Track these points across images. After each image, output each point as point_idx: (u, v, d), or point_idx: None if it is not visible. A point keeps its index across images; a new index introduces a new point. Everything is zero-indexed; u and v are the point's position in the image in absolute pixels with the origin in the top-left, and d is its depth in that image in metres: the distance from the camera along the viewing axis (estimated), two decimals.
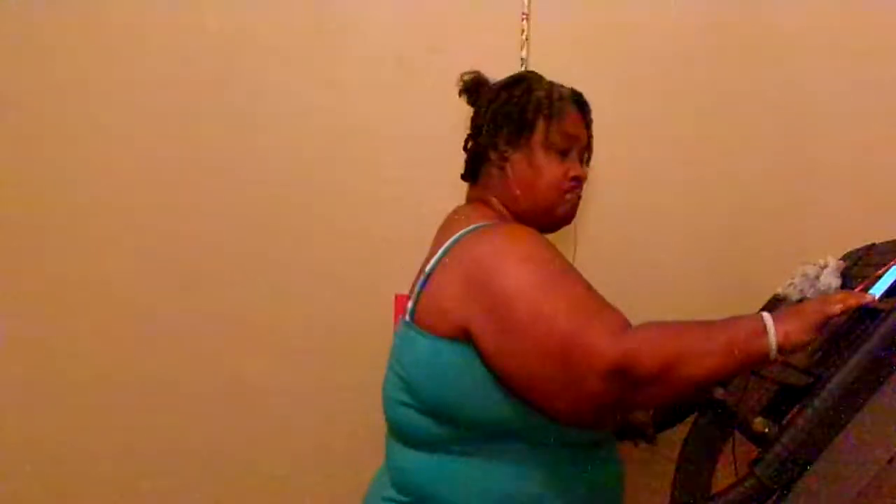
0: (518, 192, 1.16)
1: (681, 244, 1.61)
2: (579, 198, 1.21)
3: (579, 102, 1.22)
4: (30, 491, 1.59)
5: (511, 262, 1.00)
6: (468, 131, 1.24)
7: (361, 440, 1.51)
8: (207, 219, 1.61)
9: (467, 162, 1.23)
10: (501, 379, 0.99)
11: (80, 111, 1.61)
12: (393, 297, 1.55)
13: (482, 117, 1.20)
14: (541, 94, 1.18)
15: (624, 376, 0.90)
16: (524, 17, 1.59)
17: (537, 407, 0.99)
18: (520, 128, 1.16)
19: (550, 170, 1.16)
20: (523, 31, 1.59)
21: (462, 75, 1.25)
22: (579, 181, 1.19)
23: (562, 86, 1.22)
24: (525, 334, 0.96)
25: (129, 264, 1.60)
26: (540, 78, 1.22)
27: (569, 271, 1.02)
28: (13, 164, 1.61)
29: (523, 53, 1.57)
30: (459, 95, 1.25)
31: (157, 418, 1.60)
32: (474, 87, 1.25)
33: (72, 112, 1.61)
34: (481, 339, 0.99)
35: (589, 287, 1.01)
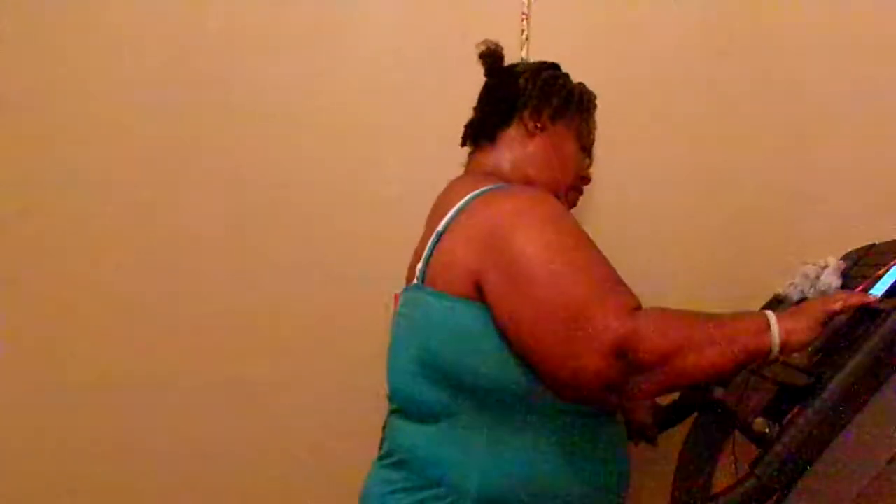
0: (539, 163, 1.17)
1: (680, 244, 1.61)
2: (579, 198, 1.25)
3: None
4: (30, 491, 1.59)
5: (531, 222, 0.99)
6: (481, 100, 1.24)
7: (361, 440, 1.50)
8: (207, 218, 1.61)
9: (491, 122, 1.20)
10: (508, 338, 0.98)
11: (80, 110, 1.61)
12: (393, 297, 1.55)
13: (524, 83, 1.19)
14: (578, 86, 1.24)
15: (625, 357, 0.90)
16: (524, 17, 1.59)
17: (538, 372, 0.97)
18: (565, 109, 1.19)
19: (573, 160, 1.21)
20: (523, 31, 1.59)
21: (486, 41, 1.23)
22: (588, 182, 1.25)
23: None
24: (536, 296, 0.95)
25: (129, 264, 1.60)
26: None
27: (585, 240, 1.02)
28: (13, 164, 1.61)
29: (523, 53, 1.57)
30: (480, 58, 1.23)
31: (156, 418, 1.60)
32: (499, 57, 1.24)
33: (71, 111, 1.61)
34: (493, 297, 0.98)
35: (603, 259, 1.00)
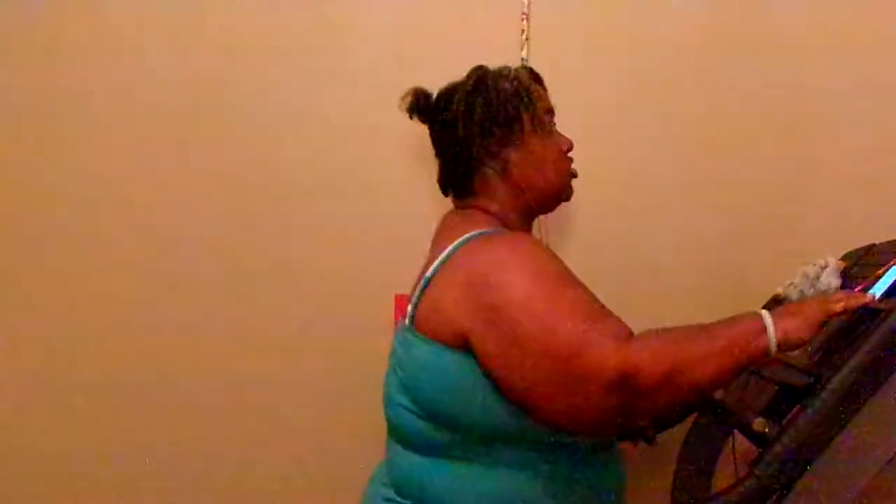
0: (524, 187, 1.15)
1: (680, 244, 1.61)
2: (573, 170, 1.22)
3: (537, 77, 1.23)
4: (30, 491, 1.59)
5: (511, 273, 0.99)
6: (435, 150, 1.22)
7: (361, 440, 1.51)
8: (207, 218, 1.61)
9: (458, 178, 1.18)
10: (502, 389, 0.99)
11: (80, 111, 1.61)
12: (393, 297, 1.55)
13: (463, 131, 1.15)
14: (507, 85, 1.17)
15: (626, 387, 0.90)
16: (524, 17, 1.59)
17: (539, 417, 0.98)
18: (509, 126, 1.15)
19: (548, 151, 1.17)
20: (523, 31, 1.59)
21: (404, 97, 1.21)
22: (571, 148, 1.21)
23: (514, 68, 1.21)
24: (526, 347, 0.95)
25: (130, 264, 1.60)
26: (492, 70, 1.20)
27: (568, 280, 1.02)
28: (13, 164, 1.61)
29: (523, 53, 1.57)
30: (410, 117, 1.21)
31: (156, 418, 1.60)
32: (424, 103, 1.21)
33: (72, 112, 1.61)
34: (482, 350, 0.99)
35: (589, 295, 1.01)
